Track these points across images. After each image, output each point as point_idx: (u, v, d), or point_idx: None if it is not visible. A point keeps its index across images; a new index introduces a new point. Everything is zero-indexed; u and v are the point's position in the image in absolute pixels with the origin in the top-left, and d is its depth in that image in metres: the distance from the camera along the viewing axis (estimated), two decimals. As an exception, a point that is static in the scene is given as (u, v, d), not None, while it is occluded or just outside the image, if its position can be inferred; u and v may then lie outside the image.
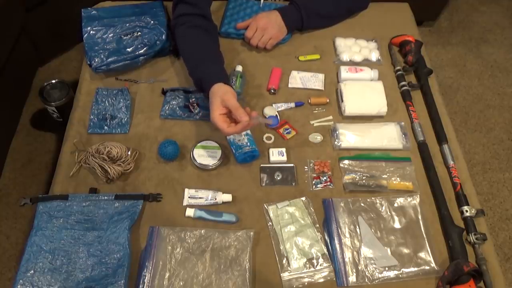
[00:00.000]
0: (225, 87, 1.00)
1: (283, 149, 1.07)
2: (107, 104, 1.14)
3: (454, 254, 0.93)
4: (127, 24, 1.22)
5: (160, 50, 1.21)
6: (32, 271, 0.87)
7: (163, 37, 1.20)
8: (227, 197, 0.99)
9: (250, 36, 1.23)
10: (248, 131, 1.08)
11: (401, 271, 0.91)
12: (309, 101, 1.17)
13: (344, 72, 1.21)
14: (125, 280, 0.86)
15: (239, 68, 1.20)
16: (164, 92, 1.17)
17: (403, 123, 1.13)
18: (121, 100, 1.14)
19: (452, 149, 1.10)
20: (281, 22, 1.23)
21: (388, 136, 1.10)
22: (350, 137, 1.09)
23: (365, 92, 1.16)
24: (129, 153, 1.04)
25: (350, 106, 1.14)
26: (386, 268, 0.91)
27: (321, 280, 0.90)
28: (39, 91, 1.71)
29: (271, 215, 0.97)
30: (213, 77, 1.02)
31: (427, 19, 2.38)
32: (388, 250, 0.94)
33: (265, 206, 0.99)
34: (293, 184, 1.03)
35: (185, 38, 1.14)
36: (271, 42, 1.23)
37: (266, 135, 1.11)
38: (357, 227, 0.96)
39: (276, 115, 1.13)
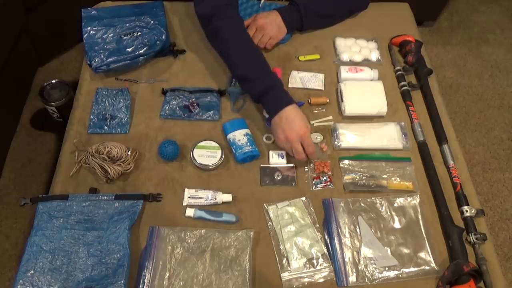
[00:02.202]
0: (300, 111, 1.03)
1: (283, 152, 1.07)
2: (107, 104, 1.14)
3: (454, 254, 0.93)
4: (127, 24, 1.22)
5: (160, 50, 1.21)
6: (32, 271, 0.87)
7: (163, 37, 1.20)
8: (227, 197, 0.99)
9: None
10: (248, 131, 1.08)
11: (401, 271, 0.91)
12: (309, 101, 1.17)
13: (344, 72, 1.21)
14: (125, 280, 0.86)
15: (239, 68, 1.20)
16: (164, 92, 1.17)
17: (403, 123, 1.13)
18: (121, 100, 1.14)
19: (452, 149, 1.10)
20: (281, 22, 1.23)
21: (388, 136, 1.10)
22: (350, 137, 1.09)
23: (365, 92, 1.16)
24: (129, 153, 1.04)
25: (350, 106, 1.14)
26: (386, 268, 0.91)
27: (321, 280, 0.90)
28: (39, 91, 1.71)
29: (271, 215, 0.97)
30: (287, 98, 1.04)
31: (427, 19, 2.38)
32: (388, 250, 0.94)
33: (265, 206, 0.99)
34: (293, 184, 1.03)
35: (237, 37, 1.11)
36: (271, 42, 1.23)
37: (266, 135, 1.11)
38: (357, 227, 0.96)
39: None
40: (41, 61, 2.06)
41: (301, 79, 1.21)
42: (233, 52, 1.11)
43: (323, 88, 1.21)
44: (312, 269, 0.91)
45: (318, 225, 0.97)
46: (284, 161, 1.06)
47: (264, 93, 1.05)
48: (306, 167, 1.06)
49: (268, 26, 1.21)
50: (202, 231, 0.94)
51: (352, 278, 0.90)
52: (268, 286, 0.90)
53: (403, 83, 1.21)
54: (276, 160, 1.06)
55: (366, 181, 1.03)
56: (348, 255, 0.92)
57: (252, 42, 1.13)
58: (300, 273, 0.90)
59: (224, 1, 1.12)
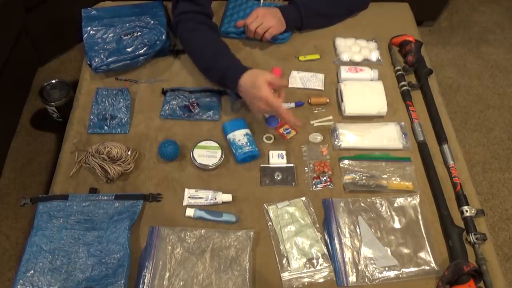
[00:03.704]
0: (260, 70, 1.03)
1: (283, 152, 1.07)
2: (107, 104, 1.14)
3: (454, 254, 0.93)
4: (127, 24, 1.22)
5: (160, 50, 1.21)
6: (32, 271, 0.87)
7: (163, 37, 1.20)
8: (227, 197, 0.99)
9: (249, 22, 1.20)
10: (248, 131, 1.08)
11: (401, 271, 0.91)
12: (309, 101, 1.17)
13: (344, 72, 1.21)
14: (125, 280, 0.86)
15: (239, 68, 1.20)
16: (164, 92, 1.17)
17: (403, 123, 1.13)
18: (121, 100, 1.14)
19: (452, 149, 1.10)
20: (281, 17, 1.22)
21: (388, 136, 1.10)
22: (350, 137, 1.09)
23: (365, 92, 1.16)
24: (129, 153, 1.04)
25: (350, 106, 1.14)
26: (386, 268, 0.91)
27: (321, 280, 0.90)
28: (39, 91, 1.71)
29: (271, 215, 0.97)
30: (240, 68, 1.05)
31: (427, 19, 2.38)
32: (388, 250, 0.94)
33: (265, 206, 0.99)
34: (293, 184, 1.03)
35: (195, 35, 1.15)
36: (271, 31, 1.21)
37: (266, 135, 1.11)
38: (357, 227, 0.96)
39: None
40: (41, 61, 2.06)
41: (301, 79, 1.21)
42: (194, 48, 1.16)
43: (323, 88, 1.21)
44: (312, 269, 0.91)
45: (318, 225, 0.97)
46: (284, 161, 1.06)
47: (223, 75, 1.08)
48: (306, 168, 1.06)
49: (269, 16, 1.21)
50: (202, 231, 0.94)
51: (352, 278, 0.90)
52: (268, 286, 0.89)
53: (403, 83, 1.21)
54: (276, 160, 1.06)
55: (366, 181, 1.03)
56: (348, 255, 0.92)
57: (212, 36, 1.16)
58: (300, 273, 0.90)
59: (188, 8, 1.16)
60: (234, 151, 1.05)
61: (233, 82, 1.05)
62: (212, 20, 1.22)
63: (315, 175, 1.04)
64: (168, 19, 1.27)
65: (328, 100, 1.18)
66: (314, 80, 1.21)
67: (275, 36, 1.25)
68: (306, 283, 0.89)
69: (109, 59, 1.16)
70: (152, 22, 1.23)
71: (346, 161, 1.06)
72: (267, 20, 1.20)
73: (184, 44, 1.21)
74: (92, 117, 1.12)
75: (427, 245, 0.95)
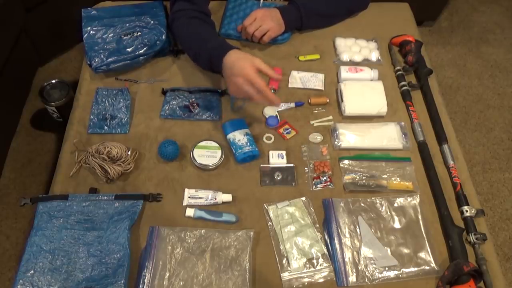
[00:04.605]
0: (244, 53, 1.01)
1: (283, 152, 1.07)
2: (107, 104, 1.14)
3: (454, 254, 0.93)
4: (127, 24, 1.22)
5: (160, 50, 1.21)
6: (32, 271, 0.87)
7: (163, 37, 1.20)
8: (227, 197, 0.99)
9: (248, 24, 1.20)
10: (248, 131, 1.08)
11: (401, 271, 0.91)
12: (309, 101, 1.17)
13: (344, 72, 1.21)
14: (125, 280, 0.86)
15: (239, 68, 1.20)
16: (164, 92, 1.17)
17: (403, 123, 1.13)
18: (121, 100, 1.14)
19: (452, 149, 1.10)
20: (280, 18, 1.22)
21: (388, 136, 1.10)
22: (350, 137, 1.09)
23: (365, 92, 1.16)
24: (129, 153, 1.04)
25: (350, 106, 1.14)
26: (386, 268, 0.91)
27: (321, 280, 0.90)
28: (39, 91, 1.71)
29: (271, 215, 0.97)
30: (226, 46, 1.04)
31: (427, 19, 2.38)
32: (388, 250, 0.94)
33: (265, 206, 0.99)
34: (293, 184, 1.03)
35: (185, 27, 1.16)
36: (269, 34, 1.20)
37: (266, 135, 1.11)
38: (357, 227, 0.96)
39: (276, 115, 1.13)
40: (41, 61, 2.06)
41: (301, 79, 1.21)
42: (186, 41, 1.17)
43: (323, 88, 1.21)
44: (312, 269, 0.91)
45: (318, 225, 0.97)
46: (284, 161, 1.06)
47: (209, 59, 1.08)
48: (306, 168, 1.06)
49: (267, 18, 1.20)
50: (202, 231, 0.94)
51: (352, 278, 0.90)
52: (268, 286, 0.89)
53: (403, 83, 1.21)
54: (276, 160, 1.06)
55: (366, 181, 1.03)
56: (348, 255, 0.92)
57: (201, 26, 1.17)
58: (300, 273, 0.90)
59: (183, 6, 1.17)
60: (234, 151, 1.05)
61: (219, 61, 1.02)
62: (210, 18, 1.22)
63: (315, 175, 1.04)
64: (168, 19, 1.27)
65: (328, 100, 1.18)
66: (314, 80, 1.21)
67: (275, 37, 1.25)
68: (306, 283, 0.89)
69: (109, 59, 1.16)
70: (152, 22, 1.23)
71: (346, 161, 1.06)
72: (265, 22, 1.20)
73: (178, 39, 1.22)
74: (92, 117, 1.12)
75: (427, 245, 0.95)
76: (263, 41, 1.22)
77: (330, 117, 1.15)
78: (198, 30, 1.15)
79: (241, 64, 0.97)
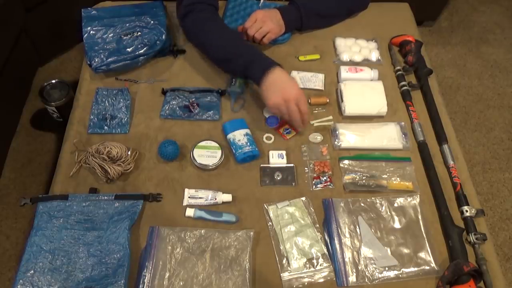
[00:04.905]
0: (286, 72, 1.06)
1: (283, 152, 1.07)
2: (107, 104, 1.14)
3: (454, 254, 0.93)
4: (127, 24, 1.22)
5: (160, 50, 1.21)
6: (32, 271, 0.87)
7: (163, 37, 1.20)
8: (227, 197, 0.99)
9: (248, 26, 1.20)
10: (248, 131, 1.08)
11: (401, 271, 0.91)
12: (309, 101, 1.17)
13: (344, 72, 1.21)
14: (125, 280, 0.86)
15: (239, 68, 1.20)
16: (164, 92, 1.17)
17: (403, 123, 1.13)
18: (121, 100, 1.14)
19: (452, 149, 1.10)
20: (280, 19, 1.22)
21: (388, 136, 1.10)
22: (350, 137, 1.09)
23: (365, 92, 1.16)
24: (129, 153, 1.04)
25: (350, 106, 1.14)
26: (386, 268, 0.91)
27: (321, 280, 0.90)
28: (39, 91, 1.71)
29: (271, 215, 0.97)
30: (270, 61, 1.07)
31: (427, 19, 2.38)
32: (388, 250, 0.94)
33: (265, 206, 0.99)
34: (293, 184, 1.03)
35: (209, 26, 1.16)
36: (269, 36, 1.21)
37: (266, 135, 1.11)
38: (357, 227, 0.96)
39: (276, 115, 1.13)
40: (41, 61, 2.06)
41: (301, 79, 1.21)
42: (210, 40, 1.16)
43: (323, 88, 1.21)
44: (312, 269, 0.91)
45: (318, 225, 0.97)
46: (284, 161, 1.06)
47: (247, 65, 1.08)
48: (306, 168, 1.06)
49: (267, 20, 1.20)
50: (202, 231, 0.94)
51: (352, 278, 0.90)
52: (268, 286, 0.89)
53: (403, 83, 1.21)
54: (276, 160, 1.06)
55: (366, 181, 1.03)
56: (348, 255, 0.92)
57: (226, 27, 1.17)
58: (300, 273, 0.90)
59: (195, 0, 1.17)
60: (234, 151, 1.05)
61: (260, 72, 1.04)
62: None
63: (315, 175, 1.04)
64: (169, 19, 1.27)
65: (328, 100, 1.18)
66: (314, 80, 1.21)
67: (275, 38, 1.25)
68: (306, 283, 0.89)
69: (109, 59, 1.16)
70: (152, 22, 1.22)
71: (346, 161, 1.06)
72: (265, 24, 1.20)
73: (193, 35, 1.21)
74: (92, 117, 1.12)
75: (427, 245, 0.95)
76: (263, 43, 1.22)
77: (330, 117, 1.15)
78: (226, 33, 1.15)
79: (291, 83, 1.03)
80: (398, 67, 1.25)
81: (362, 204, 1.00)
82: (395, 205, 1.00)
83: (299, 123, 1.05)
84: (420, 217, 0.98)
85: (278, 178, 1.04)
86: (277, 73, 1.04)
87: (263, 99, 1.06)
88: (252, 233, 0.93)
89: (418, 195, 1.02)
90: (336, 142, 1.09)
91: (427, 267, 0.92)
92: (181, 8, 1.19)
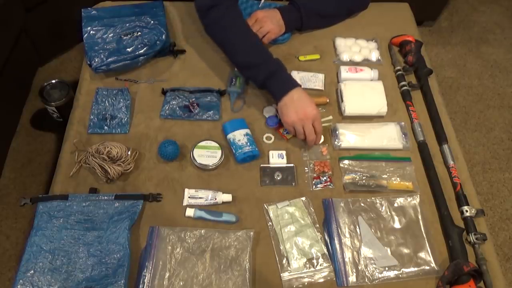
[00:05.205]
0: (306, 93, 1.06)
1: (283, 152, 1.07)
2: (107, 104, 1.14)
3: (454, 254, 0.93)
4: (127, 24, 1.22)
5: (160, 50, 1.21)
6: (32, 271, 0.87)
7: (163, 37, 1.20)
8: (227, 197, 0.99)
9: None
10: (248, 131, 1.08)
11: (401, 271, 0.91)
12: (309, 101, 1.17)
13: (344, 72, 1.21)
14: (125, 280, 0.86)
15: (239, 68, 1.20)
16: (164, 92, 1.17)
17: (403, 123, 1.13)
18: (121, 100, 1.14)
19: (452, 149, 1.10)
20: (280, 19, 1.22)
21: (388, 136, 1.10)
22: (350, 137, 1.09)
23: (365, 92, 1.16)
24: (129, 153, 1.04)
25: (350, 106, 1.14)
26: (386, 268, 0.91)
27: (321, 280, 0.90)
28: (39, 91, 1.71)
29: (271, 215, 0.97)
30: (293, 81, 1.07)
31: (427, 19, 2.38)
32: (388, 250, 0.94)
33: (265, 206, 0.99)
34: (293, 184, 1.03)
35: (240, 25, 1.14)
36: (269, 36, 1.21)
37: (266, 135, 1.11)
38: (357, 227, 0.96)
39: (276, 115, 1.13)
40: (41, 61, 2.06)
41: (301, 79, 1.21)
42: (235, 40, 1.14)
43: (323, 88, 1.21)
44: (312, 269, 0.91)
45: (318, 225, 0.97)
46: (284, 161, 1.06)
47: (270, 76, 1.07)
48: (306, 168, 1.06)
49: (267, 20, 1.20)
50: (202, 231, 0.94)
51: (352, 278, 0.90)
52: (268, 286, 0.90)
53: (403, 83, 1.21)
54: (276, 160, 1.06)
55: (366, 181, 1.03)
56: (348, 255, 0.92)
57: (251, 30, 1.16)
58: (300, 273, 0.90)
59: None
60: (234, 151, 1.05)
61: (283, 88, 1.05)
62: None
63: (315, 175, 1.04)
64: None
65: (328, 100, 1.18)
66: (314, 80, 1.21)
67: (275, 38, 1.25)
68: (306, 283, 0.89)
69: (109, 59, 1.16)
70: (152, 22, 1.22)
71: (346, 161, 1.06)
72: (265, 24, 1.20)
73: (216, 31, 1.18)
74: (92, 117, 1.12)
75: (427, 245, 0.95)
76: (263, 43, 1.22)
77: (330, 117, 1.15)
78: (251, 36, 1.14)
79: (310, 101, 1.04)
80: (398, 67, 1.25)
81: (362, 204, 1.00)
82: (395, 205, 1.00)
83: (312, 143, 1.06)
84: (420, 217, 0.98)
85: (278, 178, 1.04)
86: (298, 92, 1.05)
87: (280, 114, 1.07)
88: (252, 233, 0.93)
89: (418, 195, 1.02)
90: (336, 142, 1.09)
91: (427, 267, 0.92)
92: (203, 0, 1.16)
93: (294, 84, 1.06)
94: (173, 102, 1.14)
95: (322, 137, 1.10)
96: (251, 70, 1.11)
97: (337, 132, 1.10)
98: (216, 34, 1.20)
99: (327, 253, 0.93)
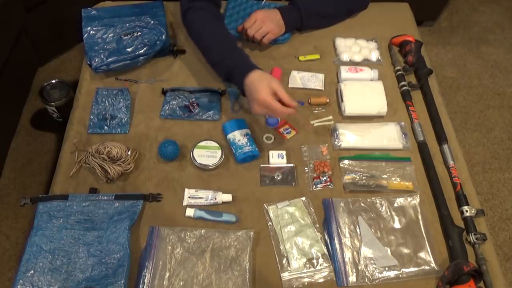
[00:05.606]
0: (267, 74, 1.01)
1: (283, 152, 1.07)
2: (107, 104, 1.14)
3: (454, 254, 0.93)
4: (127, 24, 1.22)
5: (160, 50, 1.21)
6: (32, 271, 0.87)
7: (163, 37, 1.20)
8: (227, 197, 0.99)
9: (248, 26, 1.20)
10: (248, 131, 1.08)
11: (401, 271, 0.91)
12: (309, 101, 1.17)
13: (344, 72, 1.21)
14: (125, 280, 0.86)
15: (239, 68, 1.20)
16: (164, 92, 1.17)
17: (403, 123, 1.13)
18: (121, 100, 1.14)
19: (452, 149, 1.10)
20: (280, 19, 1.22)
21: (388, 136, 1.10)
22: (350, 137, 1.09)
23: (365, 92, 1.16)
24: (129, 153, 1.04)
25: (350, 106, 1.14)
26: (386, 268, 0.91)
27: (321, 280, 0.90)
28: (39, 91, 1.71)
29: (271, 215, 0.97)
30: (250, 65, 1.04)
31: (427, 19, 2.38)
32: (388, 250, 0.94)
33: (265, 206, 0.99)
34: (293, 184, 1.03)
35: (204, 28, 1.15)
36: (269, 36, 1.21)
37: (266, 135, 1.11)
38: (357, 227, 0.96)
39: (276, 115, 1.13)
40: (41, 61, 2.06)
41: (301, 79, 1.21)
42: (204, 40, 1.16)
43: (323, 88, 1.21)
44: (312, 269, 0.91)
45: (318, 225, 0.97)
46: (284, 161, 1.06)
47: (230, 72, 1.07)
48: (306, 168, 1.06)
49: (267, 20, 1.20)
50: (202, 231, 0.94)
51: (352, 278, 0.90)
52: (268, 286, 0.90)
53: (403, 83, 1.21)
54: (276, 160, 1.06)
55: (366, 181, 1.03)
56: (348, 255, 0.92)
57: (222, 29, 1.16)
58: (300, 273, 0.90)
59: None
60: (234, 151, 1.05)
61: (240, 80, 1.02)
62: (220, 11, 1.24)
63: (315, 175, 1.04)
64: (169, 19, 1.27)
65: (328, 100, 1.18)
66: (314, 80, 1.21)
67: (275, 38, 1.25)
68: (306, 283, 0.89)
69: (109, 59, 1.16)
70: (152, 22, 1.22)
71: (346, 161, 1.06)
72: (265, 24, 1.20)
73: (192, 34, 1.20)
74: (92, 117, 1.12)
75: (427, 245, 0.95)
76: (263, 43, 1.22)
77: (330, 117, 1.15)
78: (217, 36, 1.14)
79: (258, 88, 0.98)
80: (398, 67, 1.25)
81: (362, 204, 1.00)
82: (395, 205, 1.00)
83: (287, 111, 0.98)
84: (420, 217, 0.98)
85: (278, 178, 1.04)
86: (251, 77, 1.00)
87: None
88: (252, 233, 0.93)
89: (418, 195, 1.02)
90: (336, 142, 1.09)
91: (427, 267, 0.92)
92: (183, 3, 1.19)
93: (248, 71, 1.00)
94: (173, 102, 1.15)
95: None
96: (216, 68, 1.13)
97: (337, 132, 1.10)
98: (191, 37, 1.21)
99: (327, 253, 0.93)
